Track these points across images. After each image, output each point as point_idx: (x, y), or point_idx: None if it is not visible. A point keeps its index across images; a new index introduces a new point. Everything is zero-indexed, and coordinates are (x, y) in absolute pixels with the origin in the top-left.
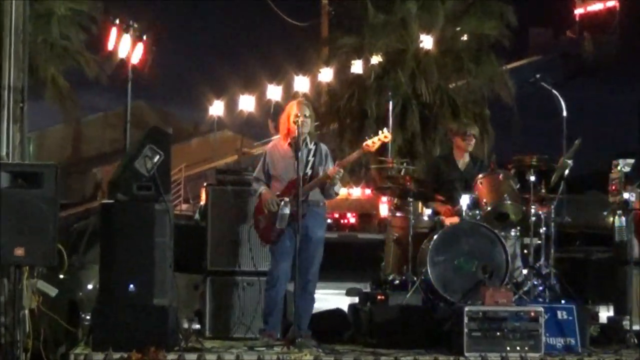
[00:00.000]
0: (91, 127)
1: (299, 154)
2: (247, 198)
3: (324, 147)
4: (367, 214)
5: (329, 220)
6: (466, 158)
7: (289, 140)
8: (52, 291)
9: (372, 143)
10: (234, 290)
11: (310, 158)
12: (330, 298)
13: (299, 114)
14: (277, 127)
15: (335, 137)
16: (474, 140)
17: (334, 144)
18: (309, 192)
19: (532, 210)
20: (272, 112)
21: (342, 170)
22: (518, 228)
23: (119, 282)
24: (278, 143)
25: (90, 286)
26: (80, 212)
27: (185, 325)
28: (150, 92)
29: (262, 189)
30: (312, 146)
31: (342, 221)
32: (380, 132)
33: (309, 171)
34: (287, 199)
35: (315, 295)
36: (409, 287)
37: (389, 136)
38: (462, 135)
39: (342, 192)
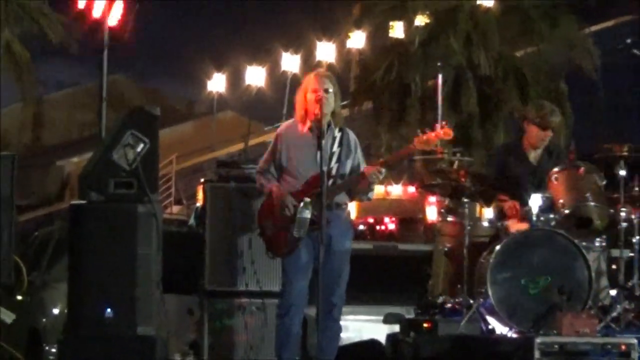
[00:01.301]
0: (56, 108)
1: (322, 142)
2: (256, 198)
3: (352, 135)
4: (410, 218)
5: (361, 227)
6: (539, 149)
7: (308, 124)
8: (8, 317)
9: (427, 139)
10: (238, 316)
11: (336, 148)
12: (364, 326)
13: (318, 89)
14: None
15: (369, 121)
16: (551, 134)
17: (367, 128)
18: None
19: (623, 214)
20: (288, 89)
21: (383, 171)
22: (604, 237)
23: (92, 306)
24: (292, 126)
25: (55, 310)
26: (42, 216)
27: None
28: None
29: (272, 185)
30: (337, 133)
31: (378, 227)
32: (438, 125)
33: (334, 165)
34: (307, 200)
35: (344, 322)
36: (463, 312)
37: (451, 133)
38: (541, 125)
39: (379, 190)
